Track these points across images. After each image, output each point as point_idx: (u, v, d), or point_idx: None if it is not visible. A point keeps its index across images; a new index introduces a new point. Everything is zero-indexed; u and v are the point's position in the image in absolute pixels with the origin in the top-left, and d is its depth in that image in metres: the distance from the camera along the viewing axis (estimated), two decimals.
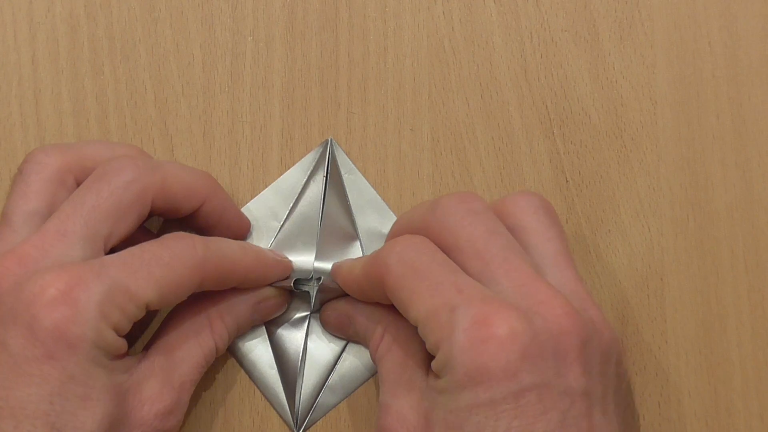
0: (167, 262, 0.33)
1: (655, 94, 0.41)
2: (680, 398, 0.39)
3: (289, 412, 0.38)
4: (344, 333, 0.38)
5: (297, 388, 0.38)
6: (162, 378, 0.33)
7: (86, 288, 0.31)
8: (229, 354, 0.38)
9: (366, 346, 0.37)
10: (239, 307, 0.36)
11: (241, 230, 0.38)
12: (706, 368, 0.39)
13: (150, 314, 0.36)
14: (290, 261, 0.38)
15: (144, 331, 0.37)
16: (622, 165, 0.40)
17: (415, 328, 0.33)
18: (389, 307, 0.35)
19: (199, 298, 0.36)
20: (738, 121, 0.40)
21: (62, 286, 0.30)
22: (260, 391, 0.38)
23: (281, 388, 0.38)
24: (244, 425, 0.38)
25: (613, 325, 0.34)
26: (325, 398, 0.38)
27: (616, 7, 0.41)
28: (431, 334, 0.31)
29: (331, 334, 0.38)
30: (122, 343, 0.32)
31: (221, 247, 0.35)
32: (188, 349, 0.35)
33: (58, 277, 0.31)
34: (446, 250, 0.33)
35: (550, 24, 0.41)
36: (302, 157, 0.40)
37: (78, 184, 0.35)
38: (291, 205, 0.39)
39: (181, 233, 0.34)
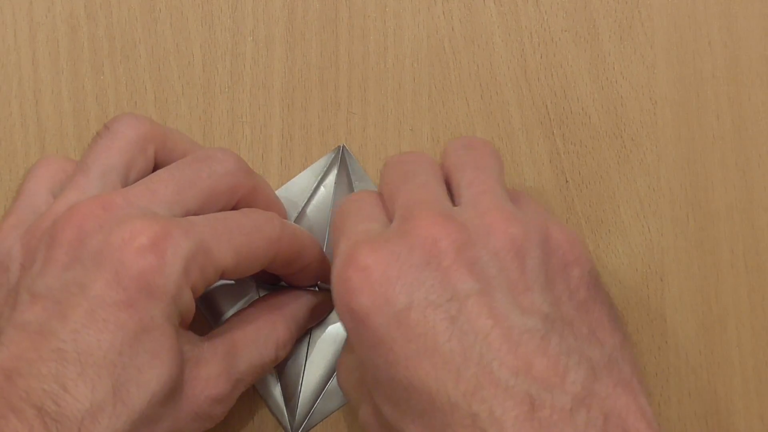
0: (248, 232, 0.33)
1: (655, 94, 0.41)
2: (680, 398, 0.39)
3: (286, 416, 0.38)
4: None
5: (296, 392, 0.38)
6: (222, 366, 0.33)
7: (175, 242, 0.30)
8: None
9: None
10: (302, 312, 0.37)
11: None
12: (706, 368, 0.39)
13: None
14: None
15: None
16: (622, 165, 0.40)
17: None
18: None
19: (267, 302, 0.36)
20: (738, 121, 0.40)
21: (152, 235, 0.30)
22: (258, 393, 0.38)
23: (280, 391, 0.38)
24: (244, 425, 0.38)
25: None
26: (323, 404, 0.38)
27: (616, 7, 0.41)
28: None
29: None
30: (193, 308, 0.32)
31: (295, 228, 0.35)
32: (251, 352, 0.34)
33: (149, 227, 0.30)
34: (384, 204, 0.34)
35: (550, 24, 0.41)
36: (302, 157, 0.40)
37: (157, 159, 0.35)
38: (300, 209, 0.39)
39: (262, 210, 0.35)
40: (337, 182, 0.39)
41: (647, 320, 0.39)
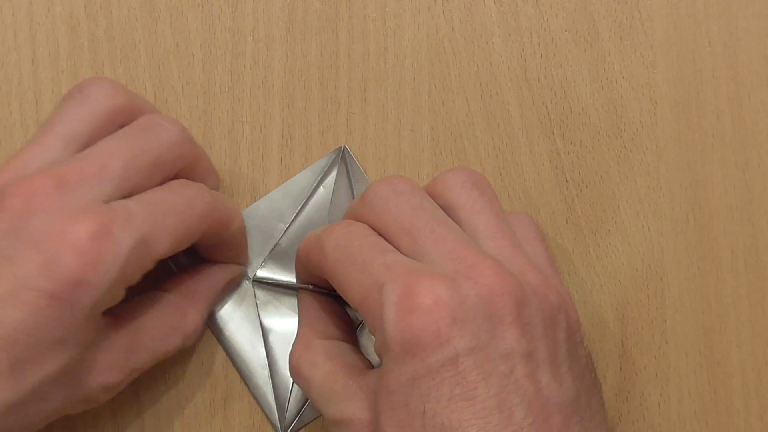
0: (181, 211, 0.33)
1: (655, 94, 0.41)
2: (680, 398, 0.39)
3: (276, 414, 0.38)
4: None
5: (287, 391, 0.38)
6: (121, 356, 0.33)
7: (114, 241, 0.30)
8: (224, 352, 0.38)
9: None
10: (213, 295, 0.37)
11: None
12: (706, 368, 0.39)
13: None
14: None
15: None
16: (622, 165, 0.40)
17: (337, 331, 0.34)
18: (311, 305, 0.36)
19: (180, 286, 0.36)
20: (738, 121, 0.40)
21: (93, 231, 0.30)
22: (249, 391, 0.38)
23: (271, 389, 0.38)
24: (244, 425, 0.38)
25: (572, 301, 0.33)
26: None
27: (616, 7, 0.41)
28: (367, 317, 0.31)
29: None
30: (122, 297, 0.32)
31: (223, 199, 0.35)
32: (154, 343, 0.34)
33: (92, 222, 0.30)
34: (380, 233, 0.33)
35: (550, 24, 0.41)
36: (302, 157, 0.40)
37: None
38: (298, 209, 0.39)
39: (191, 182, 0.34)
40: (336, 183, 0.39)
41: (647, 320, 0.39)
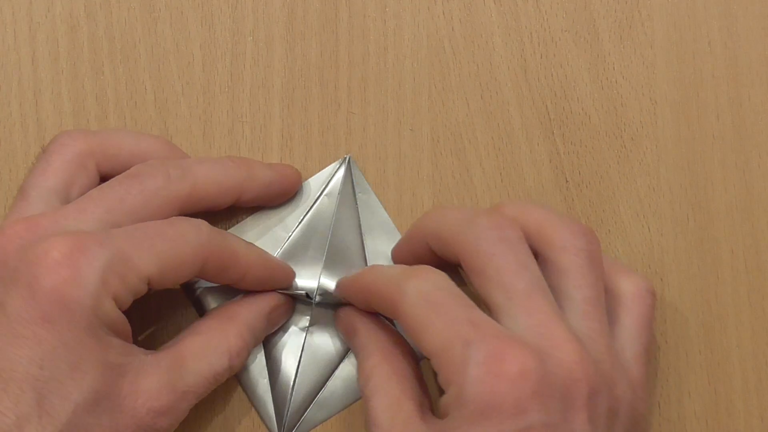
0: (171, 238, 0.33)
1: (655, 94, 0.41)
2: (680, 398, 0.39)
3: (275, 422, 0.38)
4: (349, 342, 0.38)
5: (287, 400, 0.38)
6: (165, 379, 0.33)
7: (89, 254, 0.31)
8: None
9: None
10: (256, 319, 0.36)
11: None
12: (706, 368, 0.39)
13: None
14: (292, 269, 0.38)
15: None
16: (622, 165, 0.40)
17: (414, 363, 0.33)
18: (388, 333, 0.35)
19: (220, 311, 0.36)
20: (738, 121, 0.40)
21: (65, 250, 0.30)
22: (248, 398, 0.38)
23: (270, 398, 0.38)
24: (244, 425, 0.38)
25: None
26: (312, 414, 0.38)
27: (616, 7, 0.41)
28: (444, 368, 0.31)
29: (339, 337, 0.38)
30: (122, 319, 0.32)
31: (226, 236, 0.35)
32: (200, 363, 0.34)
33: (63, 242, 0.31)
34: (471, 272, 0.33)
35: (550, 24, 0.41)
36: (302, 157, 0.40)
37: (99, 171, 0.35)
38: (301, 218, 0.39)
39: (189, 218, 0.34)
40: (341, 193, 0.39)
41: None
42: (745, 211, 0.40)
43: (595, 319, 0.33)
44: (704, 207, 0.40)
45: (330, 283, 0.38)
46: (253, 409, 0.38)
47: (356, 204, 0.39)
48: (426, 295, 0.32)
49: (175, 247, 0.33)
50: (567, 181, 0.40)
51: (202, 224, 0.34)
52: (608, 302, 0.34)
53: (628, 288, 0.35)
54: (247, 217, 0.39)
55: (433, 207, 0.39)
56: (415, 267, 0.33)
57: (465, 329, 0.31)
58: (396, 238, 0.39)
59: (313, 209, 0.39)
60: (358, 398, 0.38)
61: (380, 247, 0.39)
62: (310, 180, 0.40)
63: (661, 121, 0.40)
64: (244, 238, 0.37)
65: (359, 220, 0.39)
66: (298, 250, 0.39)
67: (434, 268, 0.33)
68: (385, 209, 0.40)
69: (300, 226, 0.39)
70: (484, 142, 0.40)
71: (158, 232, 0.33)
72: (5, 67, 0.40)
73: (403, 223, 0.40)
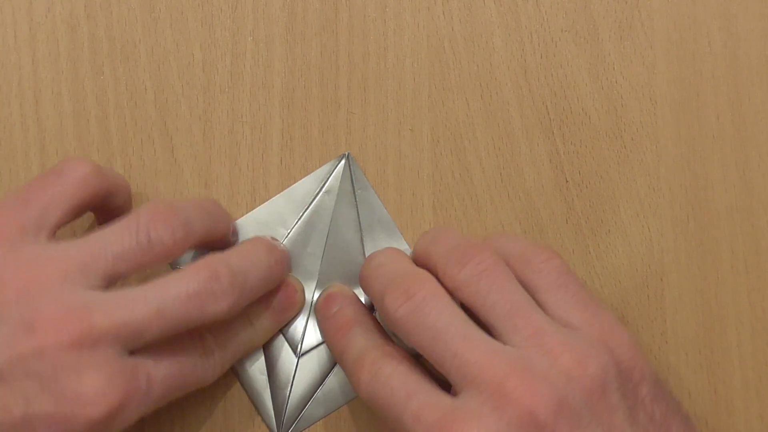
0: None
1: (655, 94, 0.41)
2: (680, 398, 0.38)
3: (273, 419, 0.38)
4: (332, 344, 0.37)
5: (285, 397, 0.38)
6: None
7: (131, 410, 0.31)
8: None
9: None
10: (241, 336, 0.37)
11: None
12: (706, 368, 0.39)
13: None
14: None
15: None
16: (622, 165, 0.40)
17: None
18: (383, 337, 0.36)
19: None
20: (738, 121, 0.40)
21: (113, 404, 0.30)
22: (247, 395, 0.38)
23: (269, 394, 0.38)
24: (244, 425, 0.38)
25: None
26: (311, 410, 0.38)
27: (616, 7, 0.41)
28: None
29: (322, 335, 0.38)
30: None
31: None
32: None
33: (111, 391, 0.30)
34: (471, 307, 0.33)
35: (550, 24, 0.41)
36: (302, 157, 0.40)
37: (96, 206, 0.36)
38: (300, 214, 0.39)
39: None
40: (340, 190, 0.39)
41: (647, 320, 0.39)
42: (745, 211, 0.40)
43: (586, 309, 0.33)
44: (704, 207, 0.40)
45: (329, 279, 0.38)
46: (252, 407, 0.38)
47: (355, 201, 0.39)
48: (431, 327, 0.32)
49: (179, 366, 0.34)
50: (567, 181, 0.40)
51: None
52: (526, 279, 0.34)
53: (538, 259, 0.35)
54: (243, 216, 0.39)
55: (431, 230, 0.38)
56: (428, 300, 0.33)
57: (423, 406, 0.31)
58: (395, 234, 0.39)
59: (312, 206, 0.39)
60: (356, 395, 0.38)
61: (379, 244, 0.39)
62: (308, 177, 0.40)
63: (661, 121, 0.40)
64: (242, 236, 0.37)
65: (358, 217, 0.39)
66: (297, 247, 0.39)
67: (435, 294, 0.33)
68: (385, 208, 0.40)
69: (299, 223, 0.39)
70: (484, 142, 0.40)
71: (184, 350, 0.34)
72: (5, 67, 0.40)
73: (403, 223, 0.40)
